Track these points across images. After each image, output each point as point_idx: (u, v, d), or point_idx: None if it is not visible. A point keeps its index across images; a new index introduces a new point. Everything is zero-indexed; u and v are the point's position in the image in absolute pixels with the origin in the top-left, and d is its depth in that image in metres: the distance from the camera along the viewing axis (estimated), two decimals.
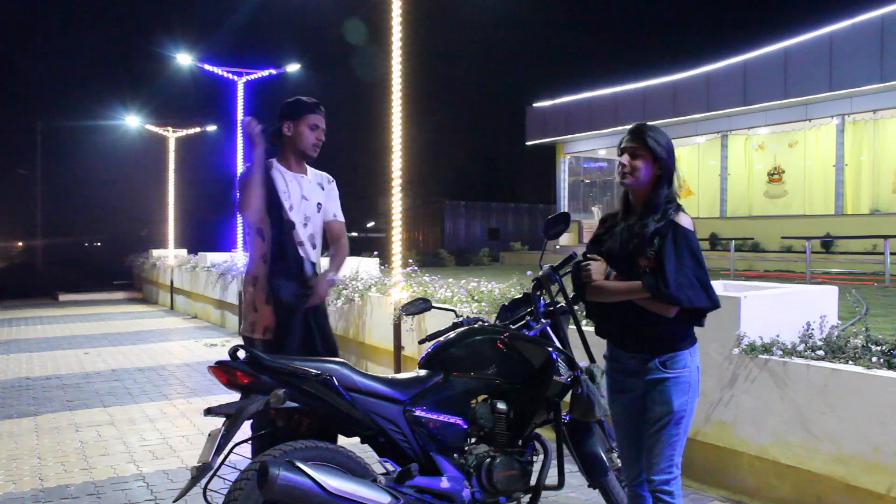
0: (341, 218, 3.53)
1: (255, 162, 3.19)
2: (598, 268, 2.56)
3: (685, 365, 2.53)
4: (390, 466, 2.69)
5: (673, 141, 2.67)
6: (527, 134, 24.95)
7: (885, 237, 11.79)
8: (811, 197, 18.41)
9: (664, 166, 2.54)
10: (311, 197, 3.37)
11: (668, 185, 2.56)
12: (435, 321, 5.57)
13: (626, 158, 2.57)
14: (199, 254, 15.05)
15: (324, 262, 3.52)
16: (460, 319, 3.19)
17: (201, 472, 2.32)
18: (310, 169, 3.43)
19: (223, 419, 2.43)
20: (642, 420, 2.60)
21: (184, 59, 16.54)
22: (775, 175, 19.39)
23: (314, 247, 3.38)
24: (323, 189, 3.43)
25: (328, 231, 3.49)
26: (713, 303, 2.46)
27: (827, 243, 15.43)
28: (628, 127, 2.65)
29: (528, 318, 3.05)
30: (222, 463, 2.39)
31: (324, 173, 3.51)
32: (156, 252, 19.89)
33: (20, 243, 44.89)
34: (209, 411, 2.45)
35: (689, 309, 2.44)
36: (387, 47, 8.08)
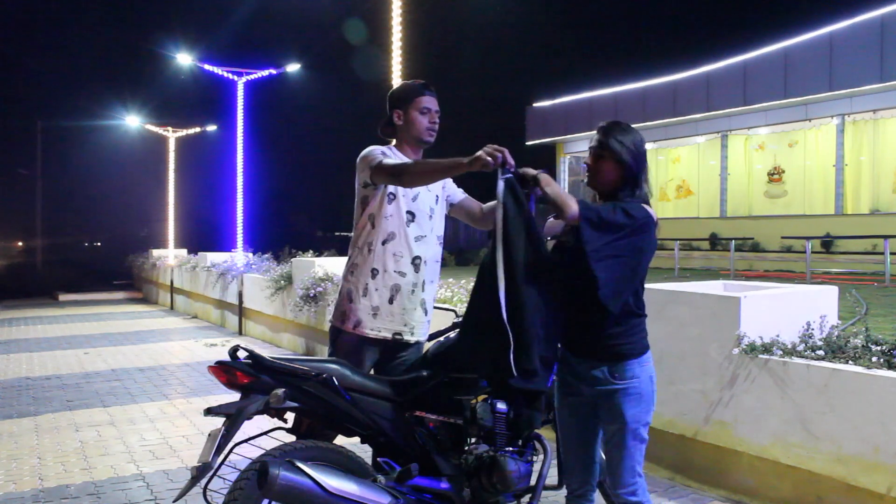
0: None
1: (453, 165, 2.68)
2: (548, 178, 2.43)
3: (634, 375, 2.44)
4: (390, 466, 2.69)
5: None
6: (527, 134, 24.94)
7: (885, 237, 11.79)
8: (811, 197, 18.40)
9: (628, 169, 2.46)
10: (431, 188, 3.06)
11: (633, 188, 2.47)
12: (435, 321, 5.55)
13: (590, 160, 2.50)
14: (199, 254, 15.06)
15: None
16: (460, 319, 3.18)
17: (201, 472, 2.32)
18: None
19: (223, 419, 2.43)
20: (590, 427, 2.57)
21: (184, 59, 16.55)
22: (775, 175, 19.37)
23: (432, 242, 3.07)
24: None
25: (469, 207, 3.24)
26: (600, 283, 2.29)
27: (827, 243, 15.43)
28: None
29: None
30: (222, 463, 2.39)
31: None
32: (156, 252, 19.90)
33: (20, 243, 44.89)
34: (209, 411, 2.45)
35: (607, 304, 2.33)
36: (387, 47, 8.10)
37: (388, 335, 2.98)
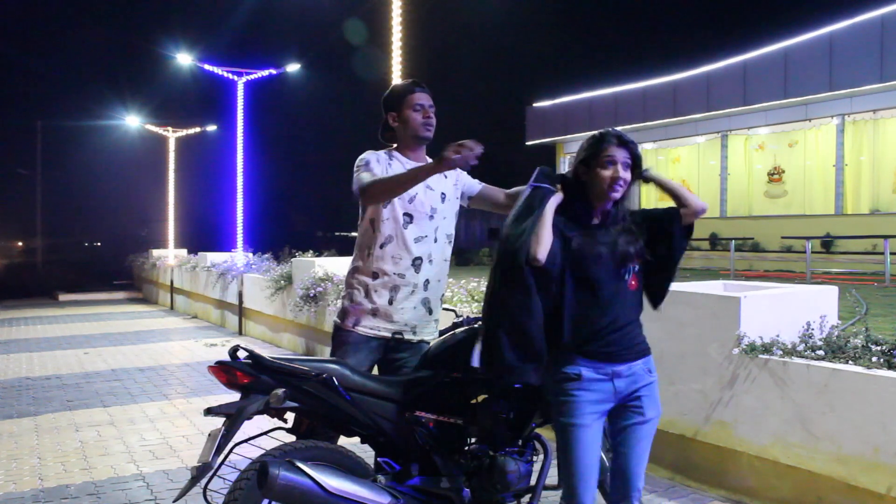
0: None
1: (425, 170, 2.72)
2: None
3: (654, 367, 2.57)
4: (390, 466, 2.69)
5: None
6: (527, 134, 24.93)
7: (885, 237, 11.79)
8: (811, 197, 18.40)
9: (634, 175, 2.52)
10: (435, 187, 3.03)
11: None
12: None
13: (623, 172, 2.45)
14: (199, 254, 15.07)
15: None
16: (460, 319, 3.18)
17: (201, 472, 2.32)
18: (430, 159, 3.06)
19: (223, 419, 2.43)
20: (601, 438, 2.56)
21: (184, 59, 16.55)
22: (775, 175, 19.37)
23: (438, 241, 3.05)
24: (447, 177, 3.07)
25: (489, 195, 3.21)
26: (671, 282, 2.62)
27: (827, 243, 15.44)
28: (621, 129, 2.61)
29: None
30: (222, 463, 2.39)
31: None
32: (156, 252, 19.91)
33: (20, 243, 44.87)
34: (209, 411, 2.45)
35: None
36: (387, 47, 8.09)
37: (388, 334, 2.98)
